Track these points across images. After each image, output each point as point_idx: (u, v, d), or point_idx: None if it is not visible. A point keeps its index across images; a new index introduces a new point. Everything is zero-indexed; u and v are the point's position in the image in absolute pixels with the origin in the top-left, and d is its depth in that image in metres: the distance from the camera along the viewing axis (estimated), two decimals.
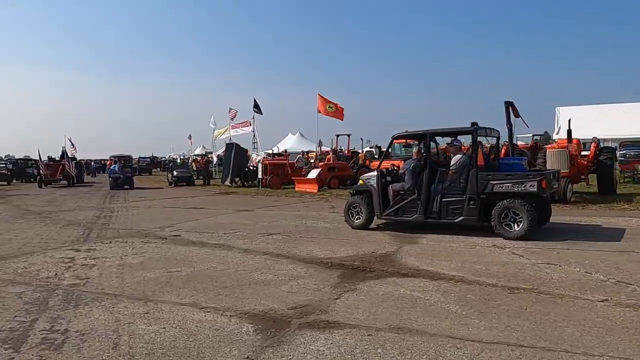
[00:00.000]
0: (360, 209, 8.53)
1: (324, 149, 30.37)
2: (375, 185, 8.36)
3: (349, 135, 32.15)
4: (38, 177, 25.53)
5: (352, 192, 9.21)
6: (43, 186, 24.98)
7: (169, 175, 24.85)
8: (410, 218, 8.01)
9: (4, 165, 35.27)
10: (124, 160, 26.49)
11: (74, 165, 26.93)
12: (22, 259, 6.65)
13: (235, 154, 21.32)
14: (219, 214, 11.79)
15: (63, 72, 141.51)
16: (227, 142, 23.85)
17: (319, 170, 18.21)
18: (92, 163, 45.12)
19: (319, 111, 22.85)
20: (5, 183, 30.42)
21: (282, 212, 11.82)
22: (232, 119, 36.50)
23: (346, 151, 30.27)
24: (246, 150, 23.18)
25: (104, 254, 6.93)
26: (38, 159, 26.11)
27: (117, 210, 13.05)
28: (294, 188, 18.85)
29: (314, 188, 17.40)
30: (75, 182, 26.91)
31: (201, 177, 25.68)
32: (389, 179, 8.51)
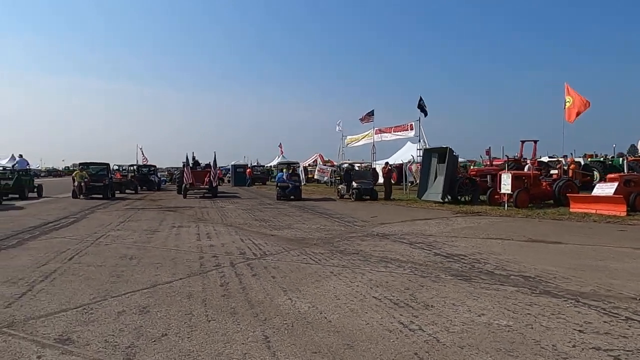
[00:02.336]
0: None
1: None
2: None
3: (535, 142, 26.28)
4: (183, 186, 22.01)
5: None
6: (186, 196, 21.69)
7: (342, 186, 20.35)
8: None
9: (117, 171, 32.65)
10: (292, 168, 22.34)
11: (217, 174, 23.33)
12: None
13: (448, 162, 16.38)
14: (625, 257, 6.70)
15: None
16: (424, 148, 18.98)
17: (615, 184, 12.77)
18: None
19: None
20: (133, 192, 27.69)
21: None
22: (364, 123, 32.26)
23: (530, 161, 24.55)
24: (457, 157, 18.13)
25: None
26: (185, 165, 22.63)
27: (422, 243, 8.32)
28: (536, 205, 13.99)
29: (619, 209, 12.00)
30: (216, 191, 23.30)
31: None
32: None
